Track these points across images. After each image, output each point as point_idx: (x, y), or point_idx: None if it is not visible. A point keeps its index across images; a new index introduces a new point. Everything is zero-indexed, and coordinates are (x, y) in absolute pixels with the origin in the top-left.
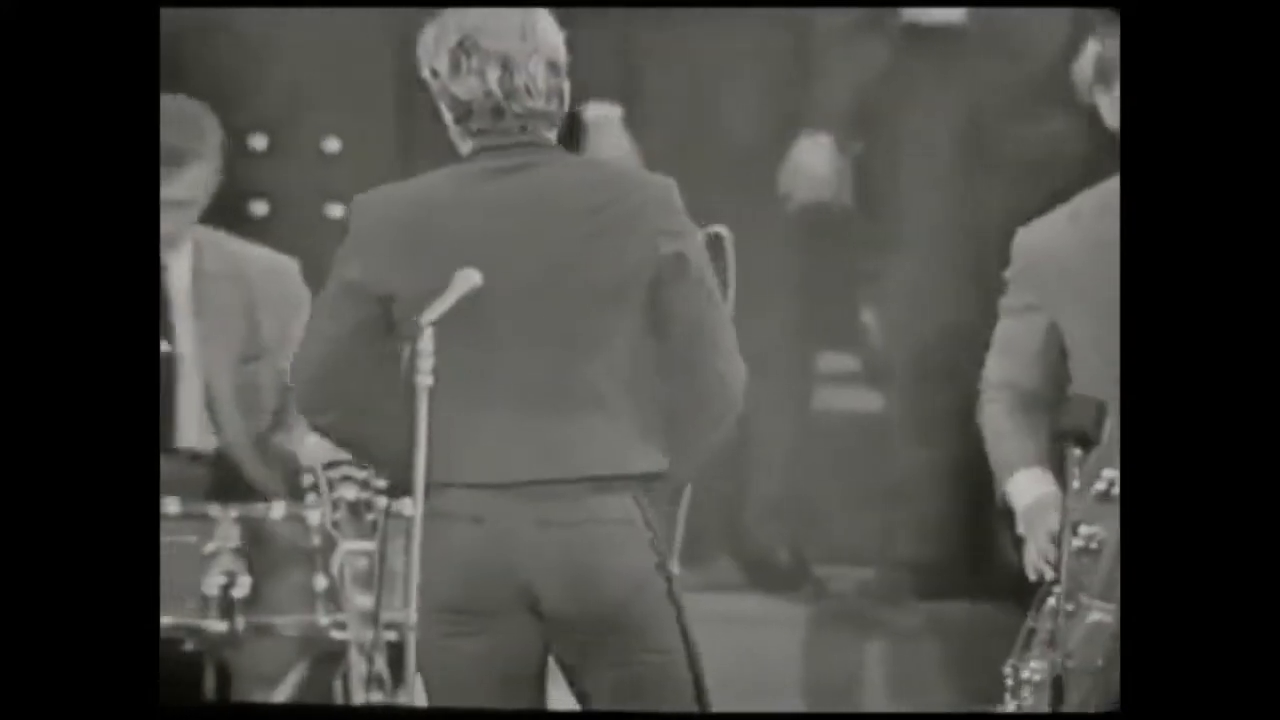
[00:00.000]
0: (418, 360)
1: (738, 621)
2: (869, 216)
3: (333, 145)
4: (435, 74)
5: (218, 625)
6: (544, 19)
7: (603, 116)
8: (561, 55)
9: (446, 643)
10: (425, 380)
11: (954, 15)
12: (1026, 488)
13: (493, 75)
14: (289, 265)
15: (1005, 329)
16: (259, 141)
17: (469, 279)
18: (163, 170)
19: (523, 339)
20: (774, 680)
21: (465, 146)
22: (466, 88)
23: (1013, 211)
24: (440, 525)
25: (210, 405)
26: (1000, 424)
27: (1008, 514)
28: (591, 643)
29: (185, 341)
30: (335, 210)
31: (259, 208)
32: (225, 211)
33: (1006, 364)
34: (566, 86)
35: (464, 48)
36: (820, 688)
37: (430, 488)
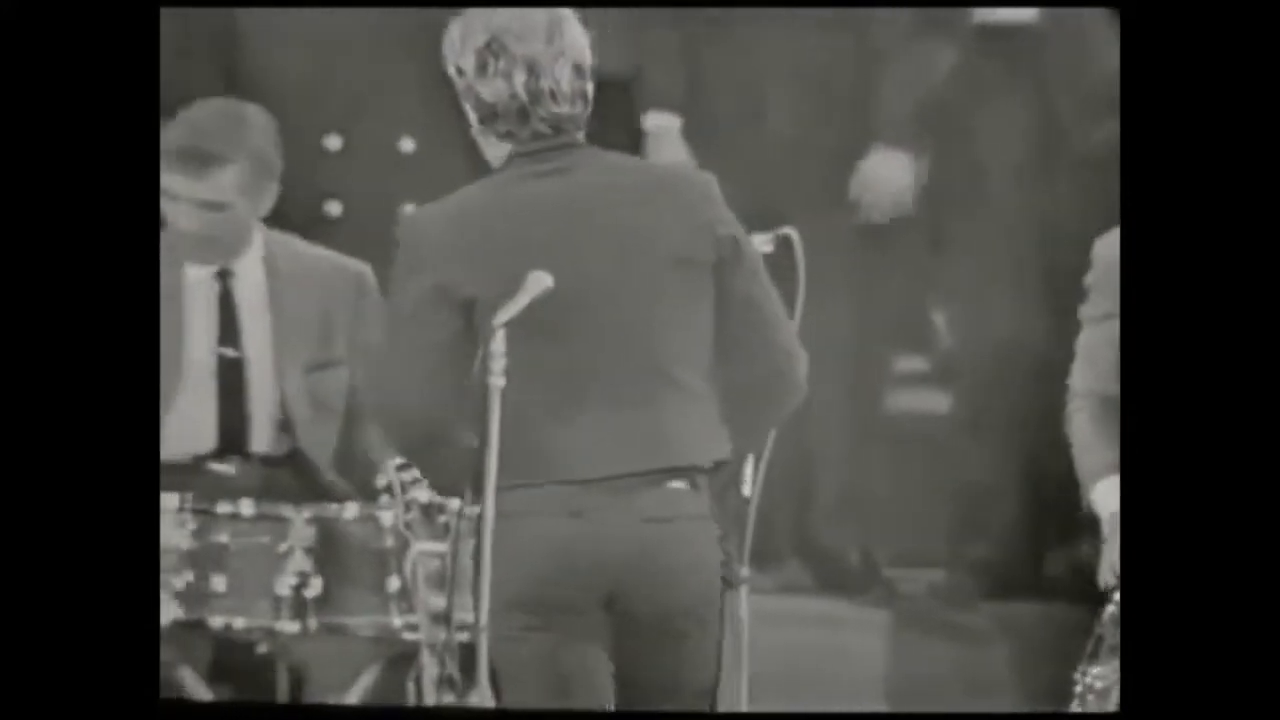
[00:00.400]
0: (490, 362)
1: (807, 623)
2: (939, 218)
3: (407, 146)
4: (461, 72)
5: (290, 626)
6: (570, 20)
7: (662, 127)
8: (587, 57)
9: (522, 638)
10: (498, 381)
11: (1025, 15)
12: (1110, 495)
13: (519, 79)
14: (363, 269)
15: (1087, 337)
16: (333, 142)
17: (540, 281)
18: (189, 172)
19: (599, 333)
20: (844, 682)
21: (492, 148)
22: (493, 90)
23: (1083, 213)
24: (528, 522)
25: (284, 409)
26: (1085, 432)
27: (1090, 520)
28: (654, 638)
29: (257, 345)
30: (411, 211)
31: (333, 208)
32: (298, 212)
33: (1089, 372)
34: (590, 88)
35: (491, 49)
36: (890, 689)
37: (517, 487)
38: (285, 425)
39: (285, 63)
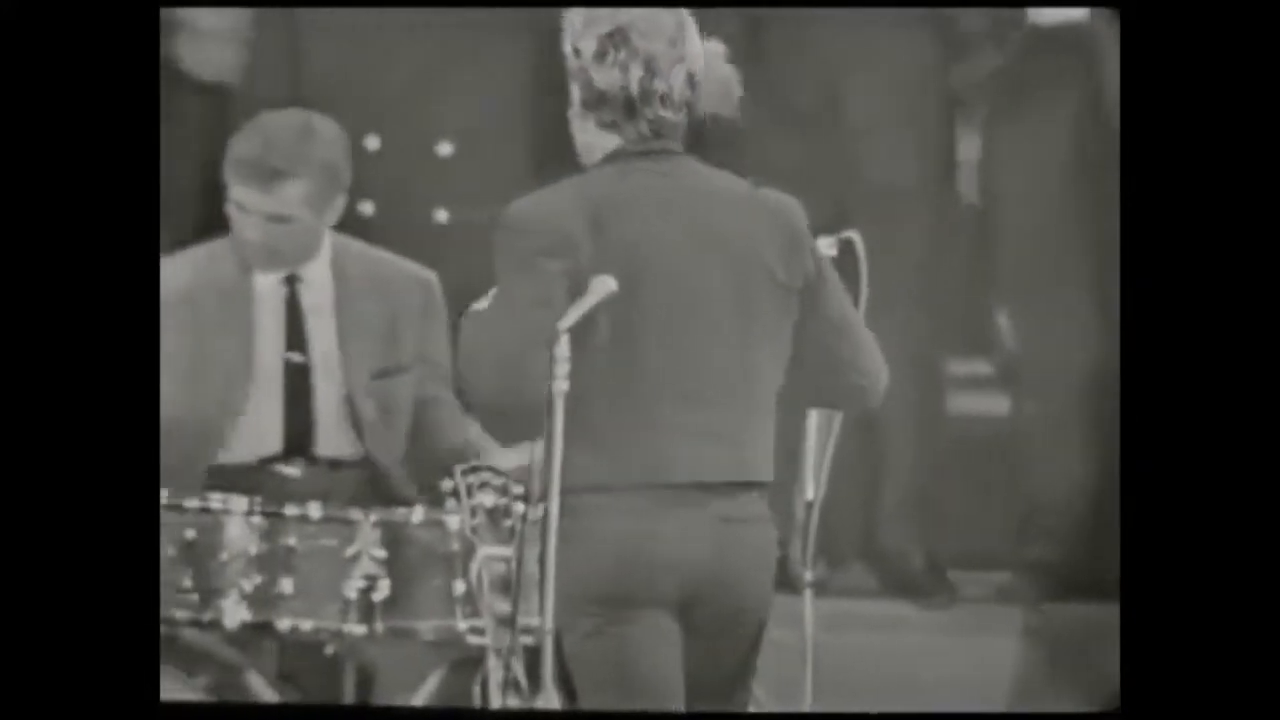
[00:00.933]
0: (555, 366)
1: (871, 626)
2: (1001, 220)
3: (445, 149)
4: (578, 53)
5: (358, 629)
6: (694, 30)
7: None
8: (701, 69)
9: (599, 634)
10: (561, 386)
11: (1079, 15)
12: None
13: (635, 73)
14: (430, 277)
15: None
16: (372, 142)
17: (605, 285)
18: (255, 184)
19: (690, 339)
20: (907, 684)
21: (587, 134)
22: (607, 78)
23: None
24: (603, 522)
25: (350, 413)
26: None
27: None
28: (721, 638)
29: (324, 350)
30: (442, 215)
31: (365, 208)
32: None
33: None
34: (695, 101)
35: (614, 39)
36: (954, 691)
37: (592, 489)
38: (352, 429)
39: (331, 62)
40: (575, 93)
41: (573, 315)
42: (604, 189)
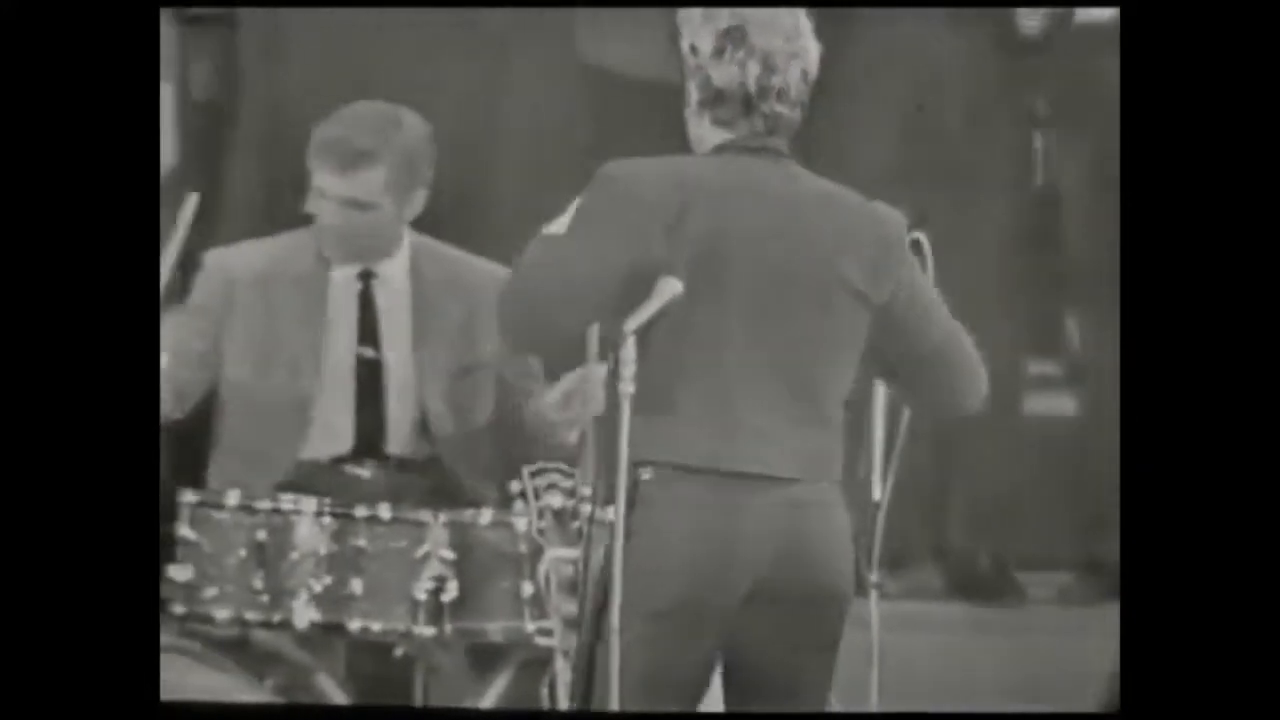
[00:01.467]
0: (621, 369)
1: (940, 628)
2: (1068, 220)
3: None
4: (695, 51)
5: (427, 629)
6: (809, 27)
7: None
8: (815, 67)
9: (646, 643)
10: (628, 388)
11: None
12: None
13: (753, 70)
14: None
15: None
16: None
17: (671, 287)
18: (337, 168)
19: (765, 334)
20: (976, 686)
21: (703, 130)
22: (725, 75)
23: None
24: (670, 518)
25: (423, 412)
26: None
27: None
28: (792, 622)
29: (397, 347)
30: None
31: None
32: None
33: None
34: (808, 99)
35: (731, 35)
36: (1022, 692)
37: (658, 478)
38: (423, 429)
39: (393, 60)
40: (692, 90)
41: (640, 317)
42: (704, 174)
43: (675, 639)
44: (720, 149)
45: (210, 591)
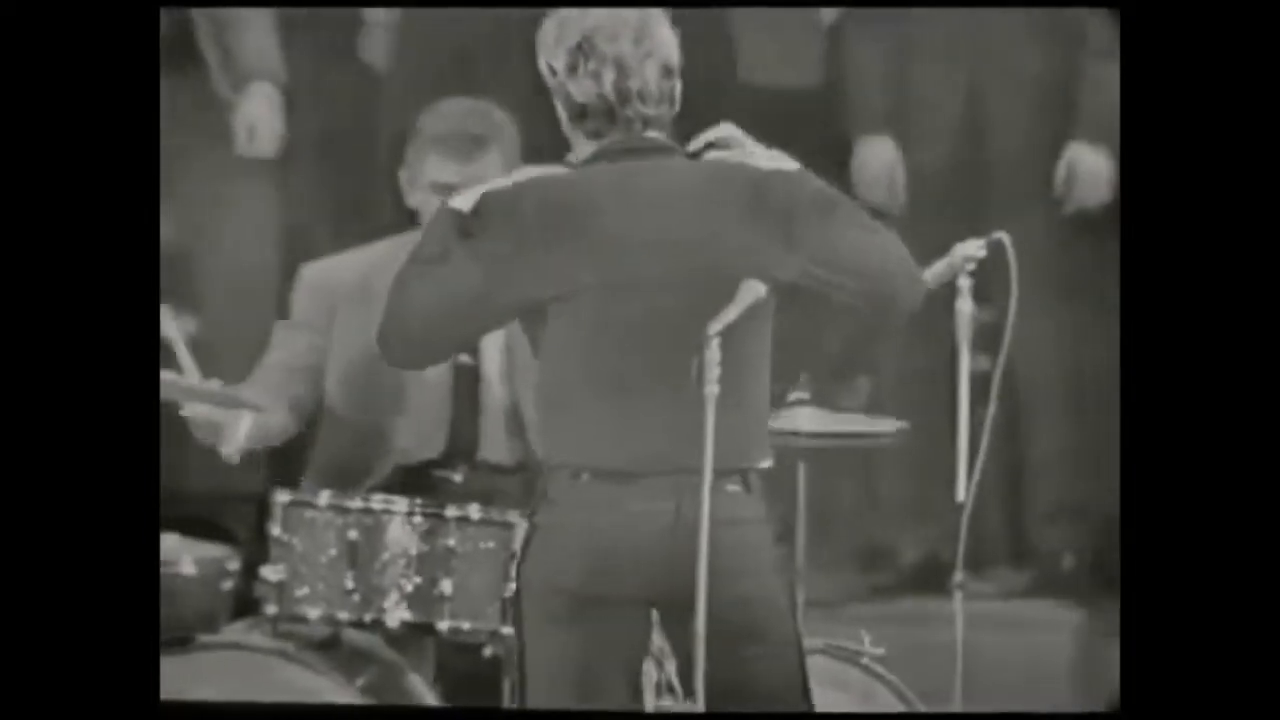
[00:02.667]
0: (706, 371)
1: (1021, 627)
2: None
3: None
4: (553, 71)
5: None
6: (659, 21)
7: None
8: (675, 58)
9: (559, 628)
10: (713, 390)
11: None
12: None
13: (608, 78)
14: None
15: None
16: None
17: (754, 290)
18: (459, 156)
19: (666, 330)
20: (1055, 684)
21: (581, 146)
22: (582, 89)
23: None
24: (572, 516)
25: (516, 417)
26: None
27: None
28: (713, 637)
29: (493, 353)
30: None
31: None
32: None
33: None
34: (678, 89)
35: (582, 49)
36: (1101, 692)
37: (567, 473)
38: (516, 433)
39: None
40: (559, 109)
41: (724, 319)
42: (581, 184)
43: (584, 628)
44: (596, 155)
45: (302, 591)
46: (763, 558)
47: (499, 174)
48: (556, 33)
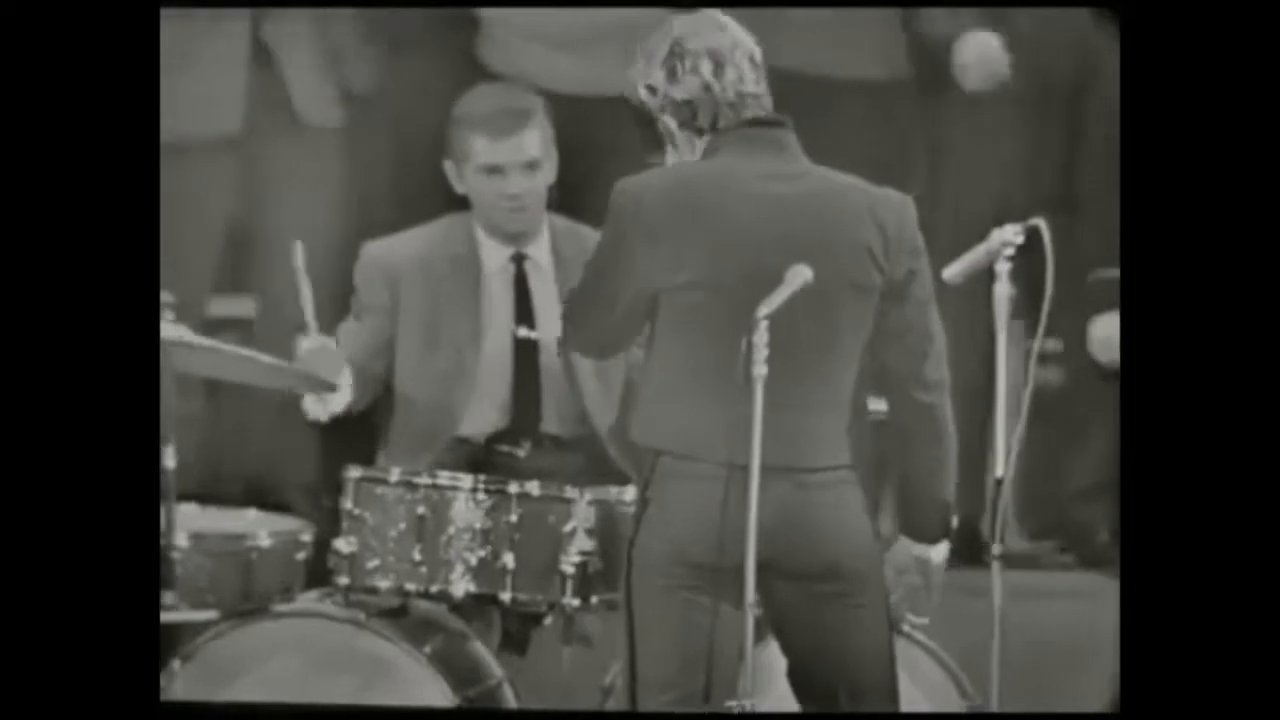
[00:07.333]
0: (753, 352)
1: (1058, 597)
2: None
3: None
4: (653, 90)
5: (574, 601)
6: (733, 22)
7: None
8: (758, 53)
9: (674, 597)
10: (760, 370)
11: None
12: None
13: (706, 68)
14: None
15: None
16: None
17: (800, 274)
18: (505, 132)
19: (778, 328)
20: (1092, 655)
21: (698, 147)
22: (686, 88)
23: None
24: (688, 485)
25: (575, 391)
26: None
27: None
28: (807, 598)
29: (550, 328)
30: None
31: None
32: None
33: None
34: (765, 85)
35: (674, 53)
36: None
37: (670, 458)
38: (576, 407)
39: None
40: (670, 125)
41: (773, 303)
42: (701, 175)
43: (690, 593)
44: (714, 144)
45: (373, 563)
46: (858, 524)
47: (540, 149)
48: (646, 56)
